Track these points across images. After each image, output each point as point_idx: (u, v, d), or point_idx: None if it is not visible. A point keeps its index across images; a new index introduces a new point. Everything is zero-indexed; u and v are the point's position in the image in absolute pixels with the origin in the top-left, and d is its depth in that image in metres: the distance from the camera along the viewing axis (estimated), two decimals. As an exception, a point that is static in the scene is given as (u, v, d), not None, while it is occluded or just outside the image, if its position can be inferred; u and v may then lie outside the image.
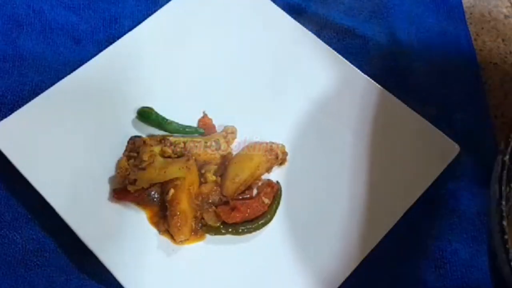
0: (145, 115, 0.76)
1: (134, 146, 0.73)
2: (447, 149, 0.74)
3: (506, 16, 0.92)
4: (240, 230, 0.70)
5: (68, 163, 0.71)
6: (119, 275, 0.65)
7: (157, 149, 0.72)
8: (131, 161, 0.72)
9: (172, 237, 0.69)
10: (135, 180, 0.70)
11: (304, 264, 0.69)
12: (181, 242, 0.69)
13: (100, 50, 0.78)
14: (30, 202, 0.72)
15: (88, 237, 0.66)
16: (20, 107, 0.73)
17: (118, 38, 0.79)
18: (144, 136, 0.75)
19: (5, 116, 0.72)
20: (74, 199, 0.69)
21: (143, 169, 0.70)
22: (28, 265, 0.69)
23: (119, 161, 0.72)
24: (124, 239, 0.68)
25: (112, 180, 0.72)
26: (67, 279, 0.69)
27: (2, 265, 0.69)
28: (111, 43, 0.79)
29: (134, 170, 0.71)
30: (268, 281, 0.68)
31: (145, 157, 0.71)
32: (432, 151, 0.74)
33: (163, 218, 0.70)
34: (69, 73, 0.76)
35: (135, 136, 0.74)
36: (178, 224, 0.68)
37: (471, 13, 0.92)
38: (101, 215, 0.69)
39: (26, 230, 0.71)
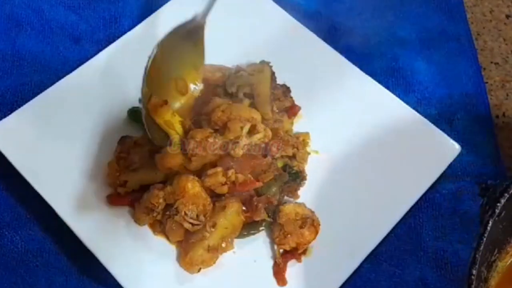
0: (136, 115, 0.74)
1: (124, 147, 0.72)
2: (448, 149, 0.74)
3: (507, 16, 0.92)
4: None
5: (68, 163, 0.71)
6: (119, 275, 0.65)
7: (148, 149, 0.71)
8: (121, 161, 0.71)
9: (167, 238, 0.69)
10: (125, 182, 0.69)
11: (305, 264, 0.69)
12: (196, 268, 0.67)
13: (100, 50, 0.78)
14: (30, 202, 0.72)
15: (87, 237, 0.66)
16: (20, 107, 0.73)
17: (118, 37, 0.79)
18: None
19: (5, 116, 0.72)
20: (74, 199, 0.69)
21: (134, 170, 0.69)
22: (28, 265, 0.69)
23: (109, 162, 0.71)
24: (124, 239, 0.68)
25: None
26: (67, 279, 0.69)
27: (2, 265, 0.69)
28: (110, 43, 0.79)
29: (124, 171, 0.70)
30: (268, 281, 0.68)
31: (136, 158, 0.69)
32: (433, 151, 0.74)
33: (158, 220, 0.69)
34: (68, 73, 0.76)
35: (125, 136, 0.73)
36: (173, 227, 0.67)
37: (472, 13, 0.91)
38: (101, 215, 0.69)
39: (26, 230, 0.71)
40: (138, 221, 0.68)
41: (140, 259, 0.67)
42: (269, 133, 0.70)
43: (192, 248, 0.65)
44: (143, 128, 0.74)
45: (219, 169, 0.67)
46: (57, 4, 0.86)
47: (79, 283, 0.68)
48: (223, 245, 0.67)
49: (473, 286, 0.48)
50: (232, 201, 0.67)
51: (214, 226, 0.66)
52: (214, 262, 0.67)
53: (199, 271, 0.66)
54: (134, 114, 0.75)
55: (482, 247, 0.50)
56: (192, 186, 0.66)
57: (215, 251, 0.66)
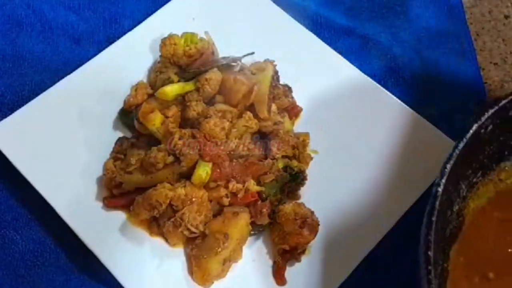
0: (128, 115, 0.75)
1: (122, 148, 0.72)
2: (447, 149, 0.74)
3: (506, 16, 0.92)
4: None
5: (68, 163, 0.71)
6: (119, 275, 0.65)
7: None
8: (118, 162, 0.71)
9: (165, 239, 0.69)
10: (120, 183, 0.69)
11: (304, 263, 0.69)
12: (211, 283, 0.66)
13: (100, 50, 0.79)
14: (30, 202, 0.72)
15: (88, 237, 0.66)
16: (20, 107, 0.73)
17: (118, 38, 0.79)
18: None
19: (5, 116, 0.72)
20: (74, 199, 0.69)
21: (130, 172, 0.69)
22: (28, 265, 0.69)
23: (105, 163, 0.71)
24: (124, 239, 0.68)
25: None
26: (67, 279, 0.69)
27: (2, 265, 0.69)
28: (111, 43, 0.79)
29: (120, 172, 0.69)
30: (267, 281, 0.68)
31: (133, 160, 0.69)
32: (432, 151, 0.74)
33: (155, 221, 0.69)
34: (69, 73, 0.76)
35: (123, 137, 0.73)
36: (171, 230, 0.67)
37: (471, 13, 0.92)
38: (101, 215, 0.69)
39: (26, 230, 0.71)
40: (135, 216, 0.67)
41: (140, 258, 0.68)
42: (250, 115, 0.70)
43: (206, 264, 0.65)
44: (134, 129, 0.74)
45: (220, 181, 0.67)
46: (57, 5, 0.86)
47: (79, 282, 0.69)
48: (234, 255, 0.67)
49: (443, 180, 0.49)
50: (242, 211, 0.67)
51: (226, 238, 0.66)
52: (226, 274, 0.67)
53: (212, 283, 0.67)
54: (124, 115, 0.75)
55: (461, 146, 0.50)
56: (202, 194, 0.66)
57: (228, 262, 0.67)
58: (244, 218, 0.67)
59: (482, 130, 0.52)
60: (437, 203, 0.49)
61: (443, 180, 0.50)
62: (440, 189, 0.49)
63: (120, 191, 0.69)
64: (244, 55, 0.78)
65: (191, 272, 0.67)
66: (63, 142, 0.72)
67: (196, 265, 0.66)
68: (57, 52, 0.83)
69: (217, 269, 0.66)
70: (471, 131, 0.51)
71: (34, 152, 0.71)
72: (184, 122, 0.72)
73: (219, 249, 0.65)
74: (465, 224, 0.59)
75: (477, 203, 0.59)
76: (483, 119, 0.52)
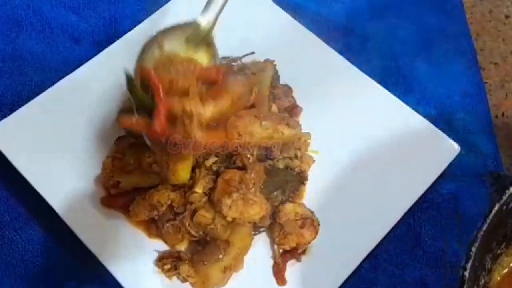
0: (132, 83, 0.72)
1: (120, 148, 0.72)
2: (447, 149, 0.74)
3: (506, 16, 0.92)
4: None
5: (68, 163, 0.71)
6: (119, 275, 0.65)
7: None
8: (116, 162, 0.70)
9: (164, 240, 0.69)
10: (118, 183, 0.69)
11: (304, 264, 0.69)
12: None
13: (100, 50, 0.78)
14: (30, 202, 0.72)
15: (87, 238, 0.66)
16: (20, 107, 0.73)
17: (118, 38, 0.79)
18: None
19: (5, 116, 0.72)
20: (74, 199, 0.69)
21: (128, 172, 0.69)
22: (27, 265, 0.69)
23: (104, 162, 0.71)
24: (124, 239, 0.68)
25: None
26: (67, 279, 0.69)
27: (2, 265, 0.69)
28: (111, 43, 0.79)
29: (118, 172, 0.69)
30: (268, 281, 0.68)
31: (131, 160, 0.68)
32: (432, 151, 0.74)
33: (153, 223, 0.69)
34: (69, 73, 0.76)
35: (122, 137, 0.73)
36: (170, 231, 0.67)
37: (471, 13, 0.92)
38: (101, 214, 0.69)
39: (26, 230, 0.71)
40: (134, 215, 0.67)
41: (140, 259, 0.68)
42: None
43: (206, 270, 0.65)
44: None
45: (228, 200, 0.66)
46: (57, 5, 0.86)
47: (79, 283, 0.69)
48: (235, 264, 0.67)
49: (469, 264, 0.48)
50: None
51: (227, 245, 0.65)
52: (226, 283, 0.66)
53: None
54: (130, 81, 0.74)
55: (485, 227, 0.50)
56: (205, 199, 0.66)
57: (229, 271, 0.66)
58: (247, 226, 0.67)
59: (504, 207, 0.52)
60: (465, 287, 0.48)
61: (469, 264, 0.49)
62: (467, 273, 0.48)
63: (118, 191, 0.69)
64: (244, 55, 0.78)
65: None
66: (62, 142, 0.72)
67: (196, 270, 0.66)
68: (57, 52, 0.83)
69: (218, 276, 0.65)
70: (493, 211, 0.51)
71: (33, 152, 0.71)
72: None
73: (220, 256, 0.65)
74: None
75: (502, 273, 0.58)
76: (504, 197, 0.51)
